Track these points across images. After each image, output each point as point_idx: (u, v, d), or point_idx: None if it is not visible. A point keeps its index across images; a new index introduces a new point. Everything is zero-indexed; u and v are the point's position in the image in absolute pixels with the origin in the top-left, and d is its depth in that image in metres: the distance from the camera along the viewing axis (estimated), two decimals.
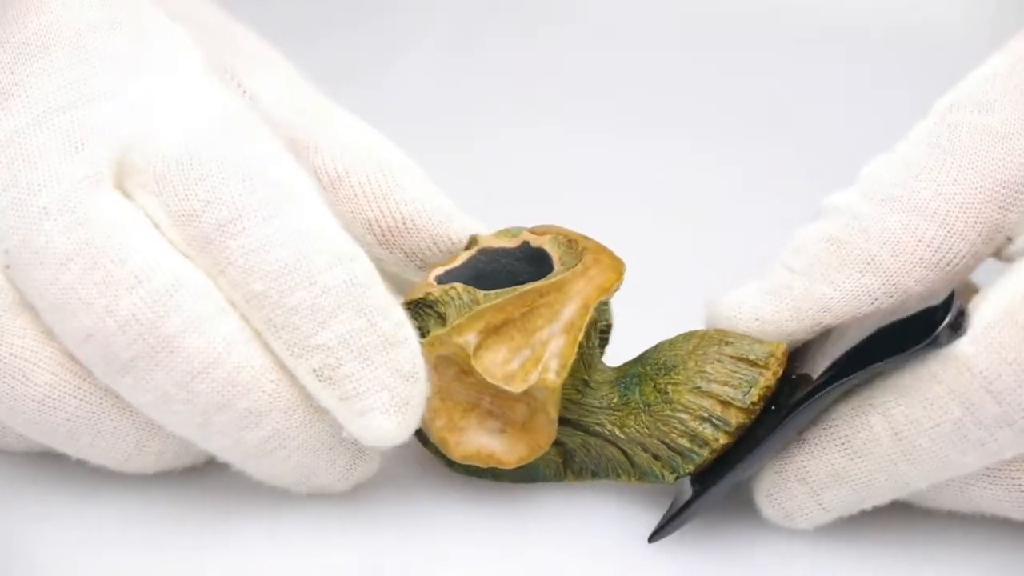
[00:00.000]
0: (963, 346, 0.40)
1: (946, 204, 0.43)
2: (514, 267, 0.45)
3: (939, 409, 0.41)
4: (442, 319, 0.43)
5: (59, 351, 0.43)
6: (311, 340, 0.42)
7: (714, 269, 0.54)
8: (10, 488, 0.46)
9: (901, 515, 0.44)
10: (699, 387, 0.43)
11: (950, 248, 0.43)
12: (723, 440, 0.42)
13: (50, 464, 0.46)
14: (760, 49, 0.67)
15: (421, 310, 0.44)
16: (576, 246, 0.44)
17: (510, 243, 0.45)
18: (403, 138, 0.46)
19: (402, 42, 0.71)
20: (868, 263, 0.43)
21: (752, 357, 0.43)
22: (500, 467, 0.43)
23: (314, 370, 0.42)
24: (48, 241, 0.42)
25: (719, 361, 0.43)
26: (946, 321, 0.40)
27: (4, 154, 0.43)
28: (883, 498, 0.43)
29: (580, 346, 0.43)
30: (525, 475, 0.45)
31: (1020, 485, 0.42)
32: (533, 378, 0.42)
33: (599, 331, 0.45)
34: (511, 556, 0.43)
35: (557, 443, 0.44)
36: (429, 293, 0.44)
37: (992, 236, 0.43)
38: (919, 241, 0.43)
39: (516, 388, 0.42)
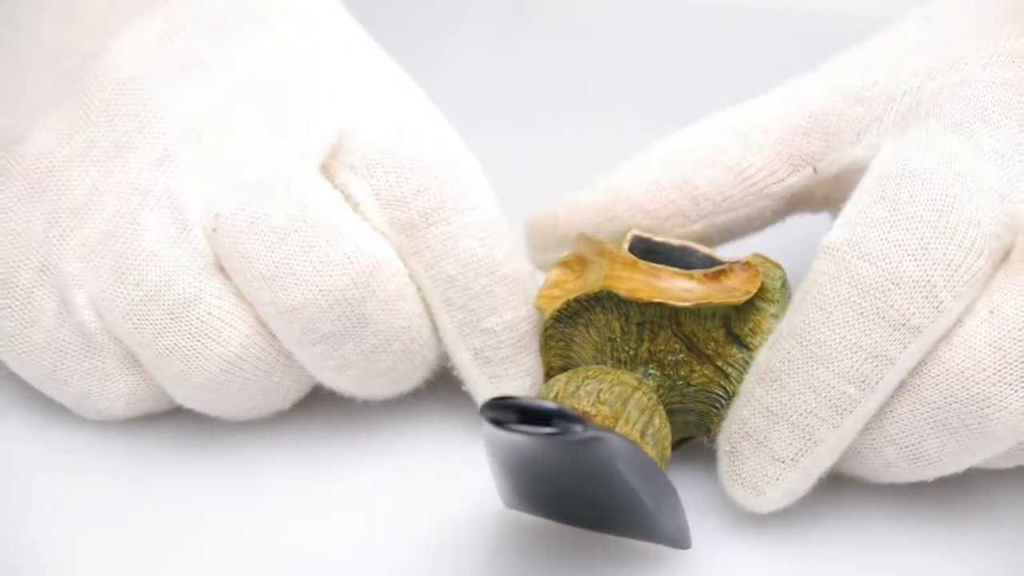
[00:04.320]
0: (832, 236, 0.42)
1: (749, 124, 0.47)
2: None
3: (828, 297, 0.42)
4: None
5: (250, 313, 0.44)
6: (482, 323, 0.45)
7: None
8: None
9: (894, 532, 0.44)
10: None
11: (745, 157, 0.47)
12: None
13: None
14: (779, 48, 0.68)
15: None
16: (728, 271, 0.45)
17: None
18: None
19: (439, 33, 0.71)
20: (665, 160, 0.47)
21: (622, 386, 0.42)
22: None
23: (476, 349, 0.45)
24: (265, 214, 0.43)
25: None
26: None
27: (209, 122, 0.45)
28: (823, 425, 0.42)
29: (601, 328, 0.44)
30: None
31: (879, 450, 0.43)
32: (541, 305, 0.45)
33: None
34: None
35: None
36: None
37: (793, 160, 0.47)
38: (715, 147, 0.47)
39: (536, 301, 0.46)
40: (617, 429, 0.41)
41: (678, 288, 0.44)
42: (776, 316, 0.44)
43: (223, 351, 0.43)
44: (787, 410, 0.42)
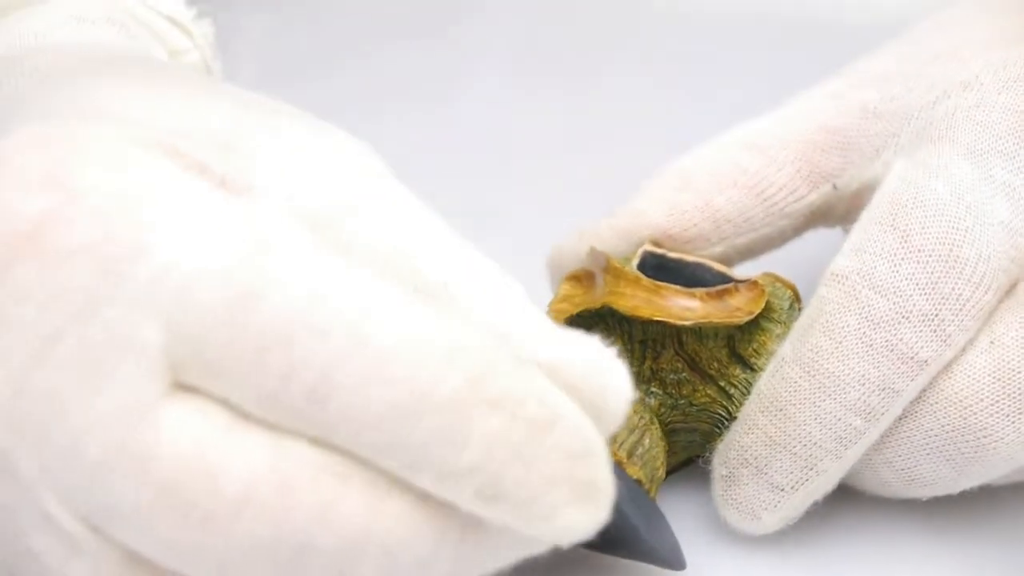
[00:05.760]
0: (840, 263, 0.42)
1: (768, 140, 0.47)
2: None
3: (838, 327, 0.41)
4: None
5: None
6: (458, 465, 0.33)
7: None
8: None
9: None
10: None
11: (765, 176, 0.47)
12: None
13: None
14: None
15: None
16: (732, 290, 0.44)
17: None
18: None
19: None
20: (685, 181, 0.47)
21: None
22: None
23: (475, 492, 0.33)
24: (120, 499, 0.33)
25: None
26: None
27: (14, 403, 0.33)
28: (827, 456, 0.41)
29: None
30: None
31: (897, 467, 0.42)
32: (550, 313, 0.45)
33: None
34: None
35: None
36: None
37: (813, 177, 0.47)
38: (734, 166, 0.47)
39: (548, 310, 0.45)
40: None
41: (679, 306, 0.43)
42: (782, 337, 0.44)
43: None
44: (791, 440, 0.42)
